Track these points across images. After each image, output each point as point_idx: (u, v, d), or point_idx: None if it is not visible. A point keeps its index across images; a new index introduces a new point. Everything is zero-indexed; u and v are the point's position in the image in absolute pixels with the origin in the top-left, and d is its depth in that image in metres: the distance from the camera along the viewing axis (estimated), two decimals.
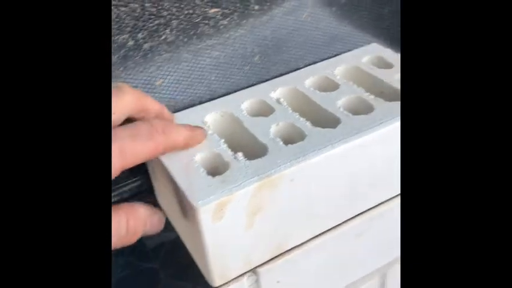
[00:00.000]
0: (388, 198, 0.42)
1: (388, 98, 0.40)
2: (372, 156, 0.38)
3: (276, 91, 0.42)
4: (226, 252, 0.34)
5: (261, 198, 0.33)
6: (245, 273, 0.37)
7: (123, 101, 0.31)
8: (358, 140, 0.36)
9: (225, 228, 0.32)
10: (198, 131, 0.35)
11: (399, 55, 0.46)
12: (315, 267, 0.41)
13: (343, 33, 0.48)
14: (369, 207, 0.41)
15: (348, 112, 0.39)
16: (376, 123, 0.37)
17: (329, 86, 0.43)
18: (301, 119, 0.38)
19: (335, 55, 0.48)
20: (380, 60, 0.46)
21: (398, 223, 0.45)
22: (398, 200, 0.43)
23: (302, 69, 0.45)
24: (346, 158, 0.36)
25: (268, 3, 0.43)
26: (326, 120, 0.38)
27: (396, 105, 0.39)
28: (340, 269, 0.43)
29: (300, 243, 0.38)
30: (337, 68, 0.45)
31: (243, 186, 0.32)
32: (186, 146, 0.35)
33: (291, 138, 0.37)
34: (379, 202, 0.42)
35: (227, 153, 0.35)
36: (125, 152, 0.29)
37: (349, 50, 0.49)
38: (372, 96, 0.40)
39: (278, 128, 0.38)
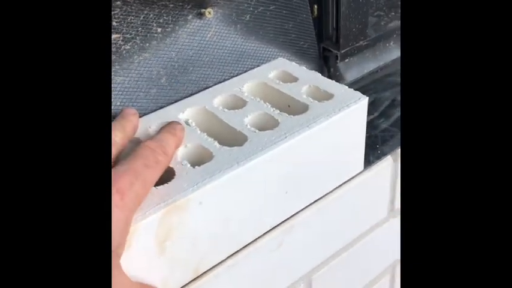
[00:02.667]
0: (304, 206, 0.43)
1: (295, 112, 0.42)
2: (281, 169, 0.39)
3: (185, 112, 0.42)
4: (140, 280, 0.33)
5: (169, 224, 0.33)
6: None
7: (132, 123, 0.38)
8: (264, 156, 0.37)
9: (134, 257, 0.32)
10: (179, 132, 0.39)
11: (304, 68, 0.48)
12: (234, 284, 0.41)
13: (250, 50, 0.49)
14: (286, 217, 0.42)
15: (255, 129, 0.40)
16: (281, 137, 0.38)
17: (237, 103, 0.44)
18: (209, 139, 0.39)
19: (245, 71, 0.49)
20: (286, 75, 0.47)
21: (317, 229, 0.46)
22: (315, 208, 0.44)
23: (211, 88, 0.46)
24: (254, 175, 0.37)
25: (171, 25, 0.44)
26: (234, 139, 0.39)
27: (300, 118, 0.40)
28: (264, 281, 0.44)
29: (217, 263, 0.38)
30: (245, 84, 0.46)
31: (148, 214, 0.32)
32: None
33: (199, 159, 0.37)
34: (296, 211, 0.43)
35: None
36: (146, 182, 0.32)
37: (258, 65, 0.50)
38: (277, 112, 0.41)
39: (186, 150, 0.38)
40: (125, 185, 0.30)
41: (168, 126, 0.39)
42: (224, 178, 0.35)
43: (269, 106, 0.42)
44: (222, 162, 0.36)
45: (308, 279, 0.49)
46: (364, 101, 0.42)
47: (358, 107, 0.42)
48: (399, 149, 0.50)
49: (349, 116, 0.41)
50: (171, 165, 0.36)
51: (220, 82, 0.47)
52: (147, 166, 0.33)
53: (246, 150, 0.37)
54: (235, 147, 0.37)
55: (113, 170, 0.31)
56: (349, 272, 0.54)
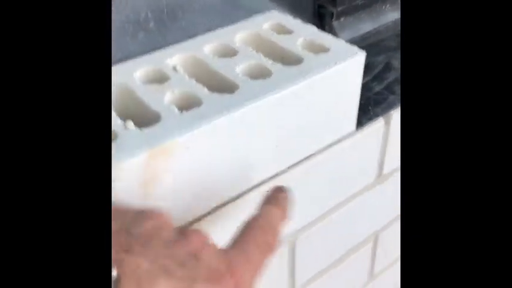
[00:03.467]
0: (295, 162, 0.42)
1: (289, 64, 0.40)
2: (272, 120, 0.37)
3: (173, 58, 0.40)
4: None
5: (155, 168, 0.31)
6: None
7: None
8: (255, 104, 0.35)
9: (117, 201, 0.30)
10: (285, 203, 0.33)
11: (299, 21, 0.46)
12: (221, 238, 0.40)
13: (243, 0, 0.47)
14: (276, 172, 0.41)
15: (247, 77, 0.38)
16: (273, 87, 0.36)
17: (228, 52, 0.41)
18: (198, 85, 0.37)
19: (235, 22, 0.47)
20: (280, 27, 0.45)
21: (305, 190, 0.45)
22: (304, 167, 0.43)
23: (201, 36, 0.44)
24: (244, 124, 0.35)
25: None
26: (224, 86, 0.37)
27: (294, 70, 0.38)
28: None
29: (203, 214, 0.37)
30: (237, 34, 0.44)
31: (132, 155, 0.30)
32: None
33: (188, 105, 0.35)
34: (286, 166, 0.41)
35: (116, 122, 0.32)
36: (259, 269, 0.29)
37: (249, 17, 0.48)
38: (271, 62, 0.39)
39: (173, 95, 0.36)
40: (245, 279, 0.27)
41: (275, 196, 0.34)
42: (213, 124, 0.33)
43: (261, 56, 0.40)
44: (211, 108, 0.34)
45: (292, 241, 0.48)
46: (362, 56, 0.40)
47: (355, 61, 0.40)
48: (391, 112, 0.49)
49: (345, 70, 0.40)
50: (157, 109, 0.34)
51: (210, 31, 0.45)
52: (260, 250, 0.29)
53: (236, 98, 0.35)
54: (226, 94, 0.35)
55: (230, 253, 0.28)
56: (333, 237, 0.53)
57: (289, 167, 0.42)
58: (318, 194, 0.47)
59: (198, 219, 0.37)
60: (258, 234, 0.30)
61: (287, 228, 0.47)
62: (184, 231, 0.27)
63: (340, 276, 0.59)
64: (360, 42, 0.59)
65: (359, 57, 0.40)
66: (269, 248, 0.30)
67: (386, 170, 0.53)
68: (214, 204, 0.37)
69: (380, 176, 0.53)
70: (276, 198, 0.33)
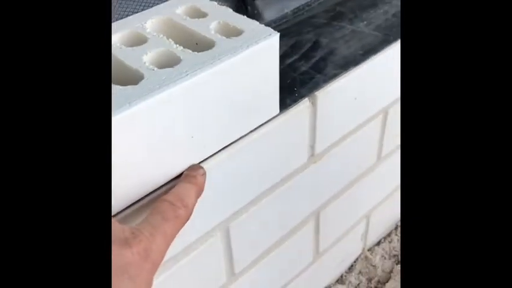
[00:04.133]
0: (215, 151, 0.41)
1: (202, 49, 0.38)
2: (183, 111, 0.36)
3: None
4: None
5: None
6: None
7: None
8: (160, 95, 0.33)
9: None
10: (200, 179, 0.38)
11: (215, 3, 0.44)
12: None
13: None
14: (195, 163, 0.40)
15: (154, 66, 0.36)
16: (181, 75, 0.35)
17: (137, 40, 0.40)
18: None
19: (150, 7, 0.45)
20: (194, 10, 0.43)
21: (232, 175, 0.44)
22: (228, 152, 0.42)
23: (112, 24, 0.41)
24: (150, 116, 0.34)
25: None
26: (130, 78, 0.35)
27: (204, 55, 0.37)
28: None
29: (123, 208, 0.36)
30: (149, 20, 0.42)
31: None
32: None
33: None
34: (206, 156, 0.40)
35: None
36: (166, 235, 0.33)
37: (166, 1, 0.46)
38: (181, 48, 0.38)
39: None
40: (145, 237, 0.31)
41: (188, 174, 0.38)
42: (114, 119, 0.31)
43: (172, 43, 0.39)
44: (113, 102, 0.32)
45: (225, 227, 0.48)
46: (275, 37, 0.39)
47: (269, 43, 0.39)
48: (317, 92, 0.48)
49: (258, 53, 0.39)
50: None
51: (122, 18, 0.43)
52: (167, 220, 0.33)
53: (140, 89, 0.34)
54: (129, 86, 0.34)
55: (133, 228, 0.32)
56: (270, 220, 0.53)
57: (211, 156, 0.41)
58: (247, 179, 0.46)
59: (121, 212, 0.36)
60: (165, 208, 0.34)
61: (218, 215, 0.46)
62: None
63: (283, 257, 0.59)
64: (290, 20, 0.58)
65: (273, 39, 0.39)
66: (178, 219, 0.34)
67: (318, 149, 0.53)
68: (128, 201, 0.36)
69: (313, 156, 0.53)
70: (189, 175, 0.38)
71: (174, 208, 0.34)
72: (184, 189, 0.36)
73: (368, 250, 0.80)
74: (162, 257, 0.32)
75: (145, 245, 0.31)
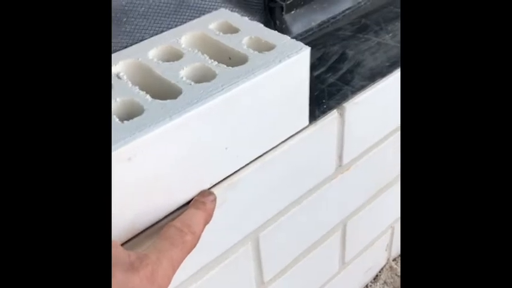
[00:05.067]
0: (247, 162, 0.42)
1: (235, 64, 0.40)
2: (219, 123, 0.37)
3: (117, 65, 0.40)
4: None
5: None
6: None
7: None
8: (199, 108, 0.35)
9: None
10: (209, 205, 0.38)
11: (246, 18, 0.45)
12: None
13: (189, 0, 0.47)
14: (228, 174, 0.41)
15: (191, 81, 0.37)
16: (218, 89, 0.36)
17: (173, 55, 0.41)
18: (141, 92, 0.36)
19: (184, 23, 0.46)
20: (227, 26, 0.45)
21: (263, 186, 0.45)
22: (259, 163, 0.43)
23: (146, 40, 0.43)
24: (189, 129, 0.35)
25: None
26: (168, 92, 0.37)
27: (239, 70, 0.38)
28: (209, 240, 0.43)
29: (155, 221, 0.37)
30: (183, 36, 0.43)
31: None
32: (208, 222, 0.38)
33: (130, 114, 0.35)
34: (239, 167, 0.42)
35: None
36: (172, 261, 0.33)
37: (198, 17, 0.47)
38: (215, 63, 0.39)
39: (116, 104, 0.36)
40: (152, 261, 0.31)
41: (197, 200, 0.38)
42: (155, 132, 0.33)
43: (207, 58, 0.40)
44: (153, 116, 0.34)
45: (255, 237, 0.49)
46: (306, 51, 0.40)
47: (300, 57, 0.40)
48: (345, 104, 0.49)
49: (290, 67, 0.40)
50: None
51: (157, 34, 0.44)
52: (174, 245, 0.33)
53: (179, 103, 0.35)
54: (168, 100, 0.35)
55: (139, 253, 0.32)
56: (298, 230, 0.54)
57: (243, 167, 0.42)
58: (277, 189, 0.47)
59: (150, 227, 0.37)
60: (172, 234, 0.34)
61: (249, 224, 0.47)
62: None
63: (310, 266, 0.60)
64: (315, 32, 0.60)
65: (304, 53, 0.40)
66: (185, 245, 0.34)
67: (345, 160, 0.53)
68: (164, 212, 0.37)
69: (340, 167, 0.54)
70: (198, 201, 0.38)
71: (182, 234, 0.34)
72: (193, 215, 0.36)
73: (393, 260, 0.80)
74: (169, 282, 0.32)
75: (152, 269, 0.31)
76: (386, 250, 0.77)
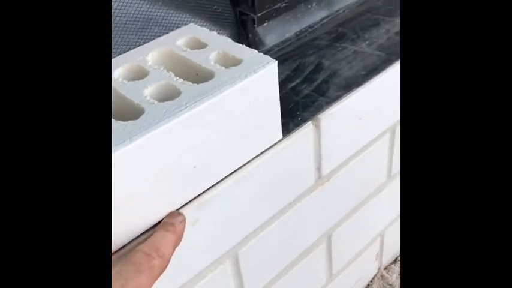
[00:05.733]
0: (219, 179, 0.41)
1: (202, 80, 0.39)
2: (184, 142, 0.36)
3: None
4: None
5: None
6: None
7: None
8: (160, 128, 0.34)
9: None
10: (178, 227, 0.37)
11: (214, 33, 0.45)
12: None
13: (157, 16, 0.46)
14: (198, 193, 0.40)
15: (155, 100, 0.37)
16: (181, 108, 0.35)
17: (139, 74, 0.40)
18: None
19: (152, 39, 0.46)
20: (195, 41, 0.44)
21: (238, 202, 0.44)
22: (232, 180, 0.42)
23: (113, 59, 0.42)
24: (151, 150, 0.34)
25: None
26: (131, 113, 0.36)
27: (204, 87, 0.37)
28: (183, 261, 0.42)
29: (126, 242, 0.36)
30: (150, 53, 0.43)
31: None
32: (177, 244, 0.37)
33: None
34: (210, 185, 0.41)
35: None
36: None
37: (167, 33, 0.47)
38: (181, 81, 0.39)
39: None
40: None
41: (166, 222, 0.37)
42: (116, 155, 0.32)
43: (172, 75, 0.39)
44: (113, 138, 0.33)
45: (234, 254, 0.48)
46: (273, 65, 0.40)
47: (267, 71, 0.39)
48: (320, 115, 0.48)
49: (257, 81, 0.39)
50: None
51: (124, 52, 0.44)
52: (140, 271, 0.32)
53: (140, 124, 0.34)
54: (130, 121, 0.34)
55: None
56: (280, 244, 0.53)
57: (215, 185, 0.41)
58: (253, 204, 0.46)
59: (123, 248, 0.36)
60: (139, 259, 0.33)
61: (227, 242, 0.46)
62: None
63: (296, 280, 0.59)
64: (292, 43, 0.59)
65: (271, 67, 0.40)
66: (153, 270, 0.33)
67: (324, 171, 0.52)
68: (134, 235, 0.36)
69: (320, 178, 0.53)
70: (167, 223, 0.37)
71: (149, 259, 0.33)
72: (161, 237, 0.35)
73: (384, 269, 0.79)
74: None
75: None
76: (376, 259, 0.76)
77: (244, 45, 0.42)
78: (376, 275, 0.78)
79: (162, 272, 0.34)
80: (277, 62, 0.40)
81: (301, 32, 0.60)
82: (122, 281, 0.31)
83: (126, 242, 0.36)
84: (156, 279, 0.33)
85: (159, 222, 0.38)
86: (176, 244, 0.36)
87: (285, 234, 0.53)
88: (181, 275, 0.43)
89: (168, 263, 0.35)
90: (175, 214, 0.38)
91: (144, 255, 0.33)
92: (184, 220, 0.38)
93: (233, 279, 0.49)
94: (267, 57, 0.40)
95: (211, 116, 0.37)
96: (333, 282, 0.67)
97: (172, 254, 0.35)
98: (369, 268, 0.76)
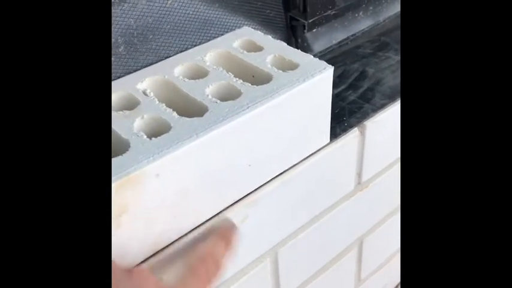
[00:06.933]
0: (269, 178, 0.42)
1: (259, 82, 0.40)
2: (243, 141, 0.37)
3: (143, 82, 0.40)
4: None
5: (124, 198, 0.31)
6: None
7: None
8: (224, 127, 0.35)
9: None
10: (234, 237, 0.38)
11: (269, 37, 0.46)
12: None
13: (213, 18, 0.47)
14: (250, 191, 0.41)
15: (217, 99, 0.38)
16: (243, 108, 0.37)
17: (199, 73, 0.42)
18: (168, 109, 0.37)
19: (208, 40, 0.47)
20: (250, 44, 0.45)
21: (283, 203, 0.45)
22: (280, 181, 0.43)
23: (172, 58, 0.44)
24: (214, 146, 0.35)
25: None
26: (194, 110, 0.37)
27: (263, 89, 0.39)
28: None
29: (177, 238, 0.37)
30: (208, 53, 0.44)
31: None
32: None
33: (157, 131, 0.36)
34: (261, 184, 0.42)
35: None
36: None
37: (222, 35, 0.48)
38: (240, 81, 0.40)
39: (143, 121, 0.36)
40: None
41: (222, 232, 0.38)
42: (182, 150, 0.33)
43: (232, 76, 0.41)
44: (180, 133, 0.34)
45: (274, 253, 0.49)
46: (330, 70, 0.41)
47: (323, 77, 0.41)
48: (366, 122, 0.49)
49: (314, 86, 0.40)
50: (126, 137, 0.34)
51: (182, 51, 0.45)
52: (196, 276, 0.34)
53: (206, 121, 0.35)
54: (195, 118, 0.36)
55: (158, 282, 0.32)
56: (316, 246, 0.54)
57: (264, 184, 0.42)
58: (296, 206, 0.48)
59: (172, 243, 0.37)
60: (198, 266, 0.34)
61: (269, 240, 0.47)
62: (130, 270, 0.30)
63: (327, 283, 0.60)
64: (335, 50, 0.60)
65: (327, 72, 0.41)
66: (209, 277, 0.34)
67: (365, 177, 0.53)
68: (187, 229, 0.38)
69: (359, 184, 0.54)
70: (220, 229, 0.38)
71: (206, 265, 0.35)
72: (218, 246, 0.37)
73: None
74: None
75: None
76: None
77: (299, 50, 0.44)
78: (400, 283, 0.78)
79: (215, 279, 0.35)
80: (333, 67, 0.41)
81: (344, 39, 0.61)
82: (179, 285, 0.33)
83: (182, 235, 0.37)
84: (209, 285, 0.35)
85: (212, 217, 0.39)
86: (230, 252, 0.38)
87: (321, 237, 0.54)
88: (224, 272, 0.44)
89: (221, 271, 0.36)
90: (231, 224, 0.39)
91: (200, 260, 0.35)
92: (237, 230, 0.39)
93: (271, 277, 0.50)
94: (323, 62, 0.41)
95: (270, 116, 0.38)
96: (361, 287, 0.67)
97: (225, 262, 0.37)
98: (394, 276, 0.76)
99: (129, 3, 0.41)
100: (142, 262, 0.36)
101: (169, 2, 0.44)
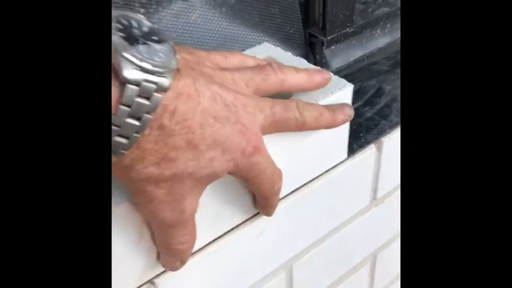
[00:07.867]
0: (286, 193, 0.43)
1: (280, 97, 0.41)
2: None
3: None
4: (120, 265, 0.33)
5: None
6: (142, 285, 0.36)
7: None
8: None
9: (114, 243, 0.31)
10: (317, 76, 0.38)
11: (289, 54, 0.47)
12: (216, 271, 0.41)
13: (235, 34, 0.49)
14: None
15: None
16: None
17: None
18: None
19: None
20: (271, 60, 0.46)
21: (299, 217, 0.46)
22: (297, 196, 0.44)
23: None
24: None
25: (154, 6, 0.42)
26: None
27: None
28: (244, 269, 0.44)
29: (197, 249, 0.38)
30: None
31: (124, 199, 0.31)
32: (304, 89, 0.39)
33: None
34: (280, 197, 0.43)
35: None
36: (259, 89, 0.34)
37: (242, 50, 0.49)
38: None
39: None
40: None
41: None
42: None
43: None
44: None
45: (289, 267, 0.49)
46: (349, 88, 0.42)
47: (343, 94, 0.41)
48: (383, 138, 0.50)
49: (333, 103, 0.41)
50: None
51: None
52: (265, 78, 0.35)
53: None
54: None
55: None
56: (330, 260, 0.54)
57: (282, 198, 0.43)
58: (312, 220, 0.48)
59: (192, 254, 0.38)
60: (273, 64, 0.37)
61: (284, 254, 0.48)
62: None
63: None
64: (351, 66, 0.61)
65: (347, 90, 0.42)
66: (268, 76, 0.36)
67: (380, 193, 0.54)
68: (207, 240, 0.38)
69: (374, 200, 0.54)
70: (311, 72, 0.39)
71: (275, 69, 0.36)
72: (293, 70, 0.38)
73: None
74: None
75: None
76: None
77: (319, 67, 0.44)
78: None
79: (278, 87, 0.37)
80: (352, 86, 0.42)
81: (360, 56, 0.62)
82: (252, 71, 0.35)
83: (199, 247, 0.38)
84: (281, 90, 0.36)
85: (230, 230, 0.40)
86: (304, 85, 0.39)
87: (336, 252, 0.54)
88: (240, 285, 0.45)
89: (293, 87, 0.37)
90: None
91: (270, 67, 0.36)
92: (328, 80, 0.40)
93: None
94: (343, 80, 0.42)
95: (289, 133, 0.39)
96: None
97: (300, 84, 0.38)
98: None
99: (153, 18, 0.43)
100: (160, 274, 0.36)
101: (193, 17, 0.45)
